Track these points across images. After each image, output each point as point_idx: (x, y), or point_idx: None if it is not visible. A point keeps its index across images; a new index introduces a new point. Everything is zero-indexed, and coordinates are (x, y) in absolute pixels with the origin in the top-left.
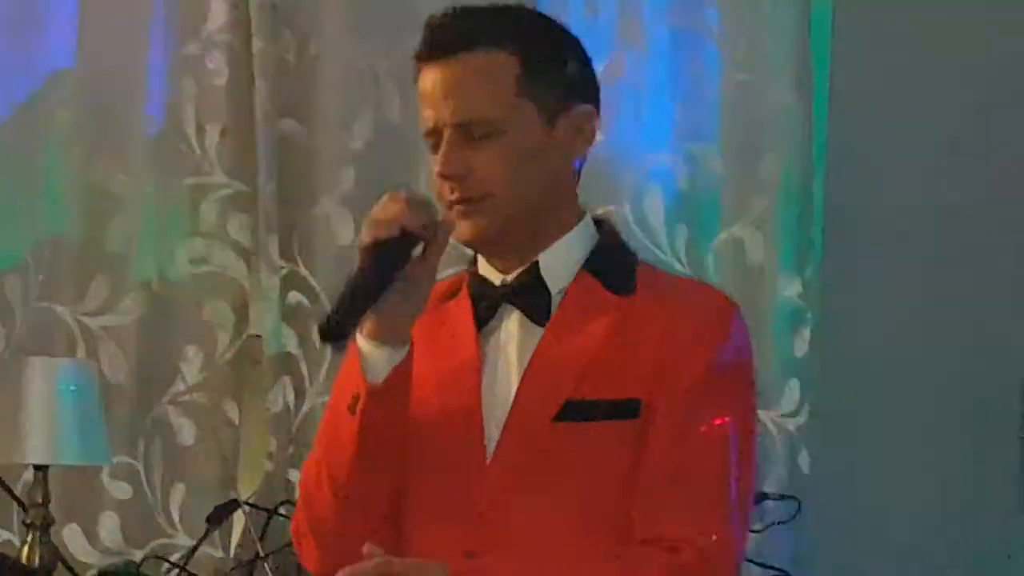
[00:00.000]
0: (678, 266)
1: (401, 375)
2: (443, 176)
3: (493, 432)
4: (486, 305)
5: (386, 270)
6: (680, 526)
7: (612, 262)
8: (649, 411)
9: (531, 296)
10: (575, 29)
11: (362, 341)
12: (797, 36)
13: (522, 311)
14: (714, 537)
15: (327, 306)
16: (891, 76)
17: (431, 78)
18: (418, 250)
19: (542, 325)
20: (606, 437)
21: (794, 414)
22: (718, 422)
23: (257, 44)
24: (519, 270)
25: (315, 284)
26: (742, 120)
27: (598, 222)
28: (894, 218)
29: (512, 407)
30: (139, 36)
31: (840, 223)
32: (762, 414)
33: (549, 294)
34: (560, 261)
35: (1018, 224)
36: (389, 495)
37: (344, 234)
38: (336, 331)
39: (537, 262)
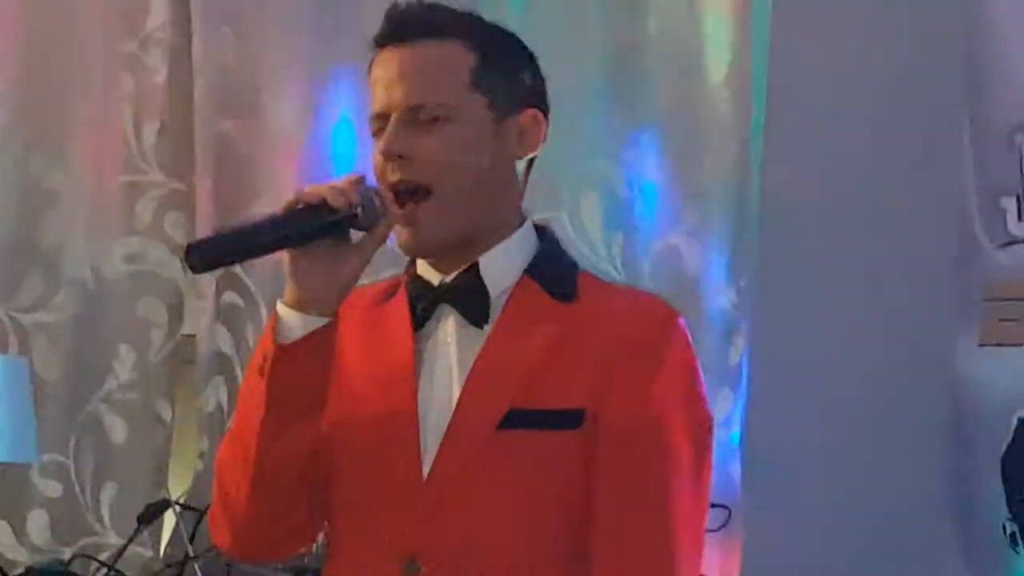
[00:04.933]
0: (614, 273)
1: (315, 343)
2: (385, 154)
3: (430, 435)
4: (424, 306)
5: (289, 232)
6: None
7: (554, 269)
8: (593, 422)
9: (469, 297)
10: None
11: (280, 306)
12: (736, 49)
13: (460, 312)
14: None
15: (263, 307)
16: (828, 88)
17: (387, 61)
18: (357, 236)
19: (479, 327)
20: (548, 446)
21: (726, 423)
22: (666, 432)
23: (197, 42)
24: (458, 271)
25: (250, 284)
26: (680, 129)
27: (539, 229)
28: (830, 228)
29: (455, 412)
30: (78, 32)
31: (776, 233)
32: None
33: (488, 296)
34: (501, 264)
35: (949, 237)
36: (301, 476)
37: None
38: (195, 254)
39: (477, 263)
